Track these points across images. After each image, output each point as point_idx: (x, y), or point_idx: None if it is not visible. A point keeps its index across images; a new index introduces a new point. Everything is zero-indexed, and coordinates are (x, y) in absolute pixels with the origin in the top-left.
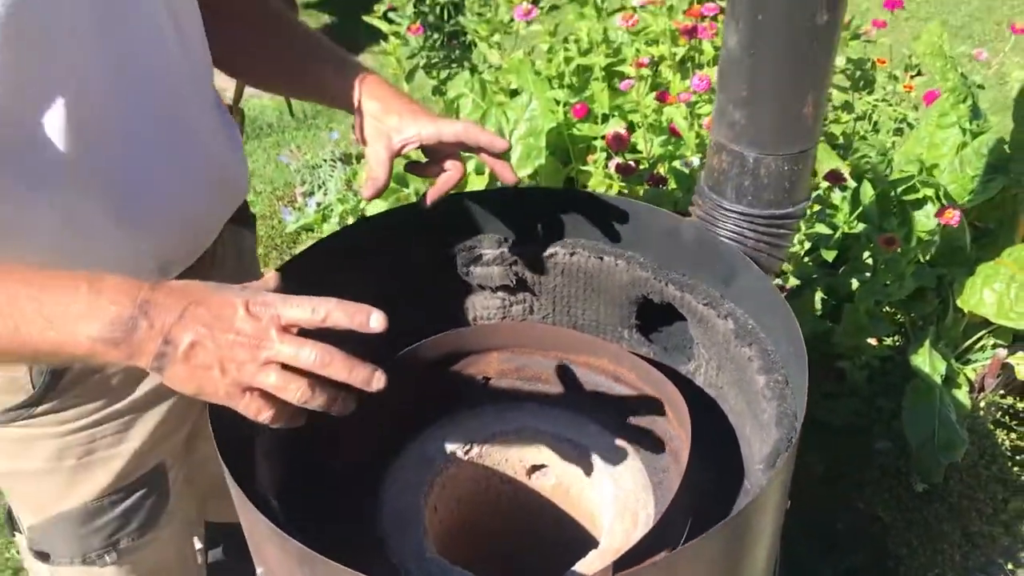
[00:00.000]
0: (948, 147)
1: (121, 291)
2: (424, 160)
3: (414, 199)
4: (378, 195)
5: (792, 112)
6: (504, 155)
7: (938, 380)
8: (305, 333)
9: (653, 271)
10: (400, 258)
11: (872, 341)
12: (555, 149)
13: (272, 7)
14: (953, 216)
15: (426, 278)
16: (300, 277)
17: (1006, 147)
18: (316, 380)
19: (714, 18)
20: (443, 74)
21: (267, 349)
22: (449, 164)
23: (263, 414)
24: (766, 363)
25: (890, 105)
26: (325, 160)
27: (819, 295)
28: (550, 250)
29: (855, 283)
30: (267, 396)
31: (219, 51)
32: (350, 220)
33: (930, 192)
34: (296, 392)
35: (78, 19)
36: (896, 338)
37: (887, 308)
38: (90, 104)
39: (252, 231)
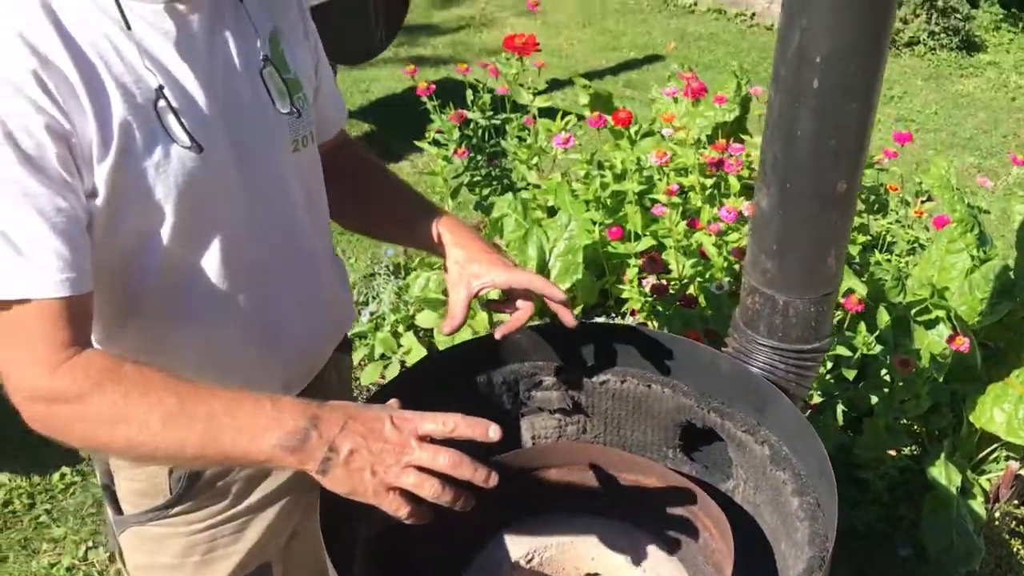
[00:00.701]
0: (958, 271)
1: (296, 408)
2: (501, 299)
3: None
4: (455, 332)
5: (816, 263)
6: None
7: (954, 491)
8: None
9: (696, 399)
10: (471, 383)
11: (891, 451)
12: (590, 264)
13: (375, 166)
14: (963, 343)
15: (493, 401)
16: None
17: (1011, 273)
18: (446, 480)
19: (740, 156)
20: (485, 191)
21: (409, 455)
22: (520, 304)
23: (402, 510)
24: (799, 486)
25: (903, 227)
26: (379, 273)
27: (840, 408)
28: (603, 377)
29: (874, 398)
30: (406, 494)
31: (333, 204)
32: (400, 329)
33: (942, 313)
34: (430, 489)
35: (229, 181)
36: (914, 447)
37: (904, 420)
38: (238, 247)
39: (349, 355)
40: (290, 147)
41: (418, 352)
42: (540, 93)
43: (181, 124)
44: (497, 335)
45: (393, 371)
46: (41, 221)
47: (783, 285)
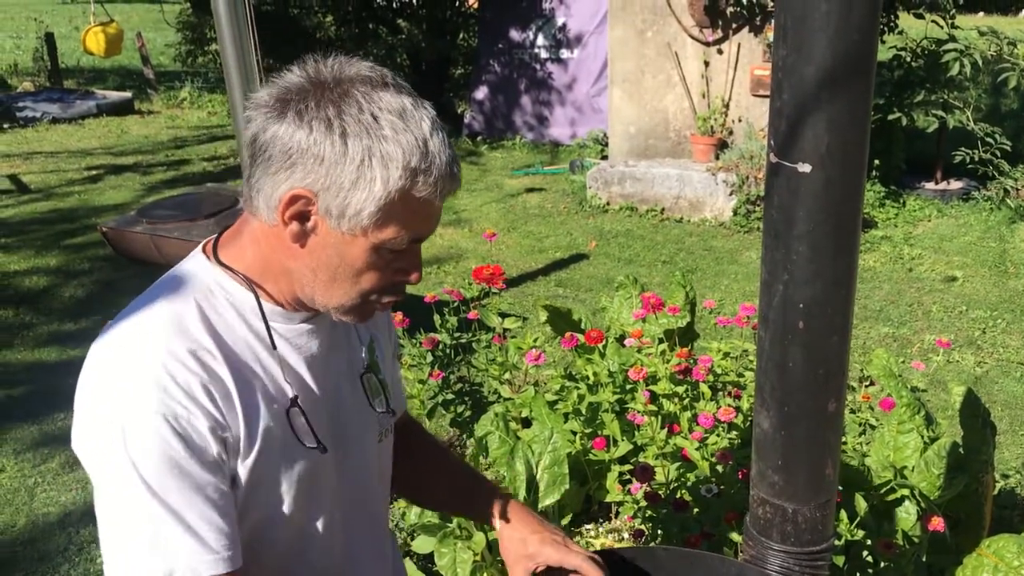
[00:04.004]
0: (911, 449)
1: None
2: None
3: None
4: None
5: (817, 473)
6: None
7: None
8: None
9: None
10: None
11: None
12: (573, 471)
13: (432, 441)
14: (938, 523)
15: None
16: None
17: (961, 449)
18: None
19: (711, 366)
20: (459, 408)
21: None
22: None
23: None
24: None
25: (852, 412)
26: None
27: None
28: None
29: None
30: None
31: (399, 478)
32: None
33: (906, 492)
34: None
35: (331, 469)
36: None
37: None
38: (332, 526)
39: None
40: (377, 438)
41: None
42: (506, 315)
43: (310, 428)
44: None
45: None
46: (208, 505)
47: (791, 495)
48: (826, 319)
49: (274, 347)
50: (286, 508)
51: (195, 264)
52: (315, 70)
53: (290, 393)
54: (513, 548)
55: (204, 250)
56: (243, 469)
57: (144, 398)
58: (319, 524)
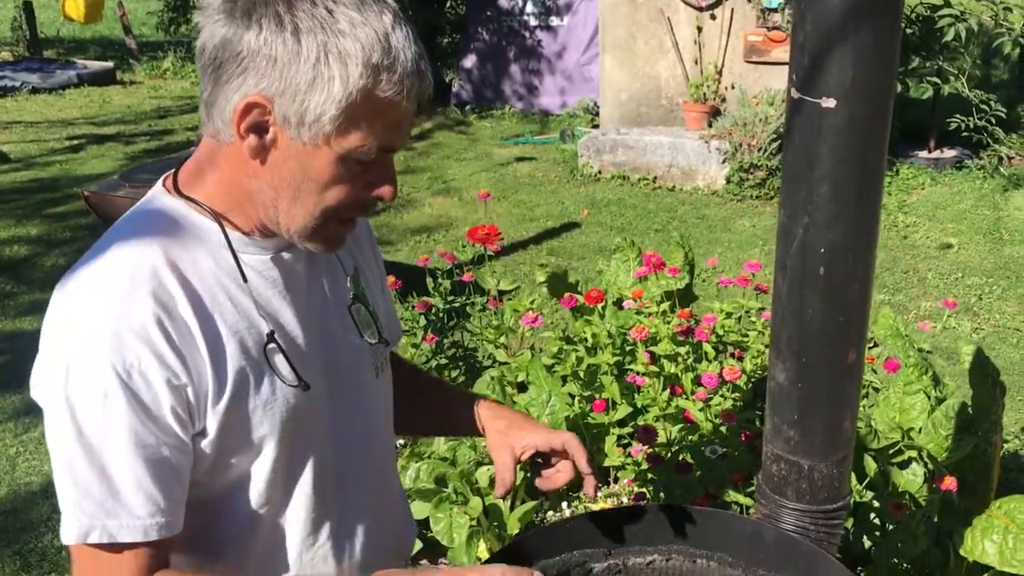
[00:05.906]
0: (918, 411)
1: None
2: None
3: None
4: (509, 493)
5: (835, 427)
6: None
7: None
8: None
9: (742, 569)
10: None
11: None
12: None
13: (410, 365)
14: (951, 482)
15: None
16: None
17: (970, 409)
18: None
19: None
20: (454, 373)
21: None
22: (561, 466)
23: None
24: None
25: None
26: None
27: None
28: (649, 558)
29: (867, 542)
30: None
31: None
32: None
33: (913, 453)
34: None
35: (322, 410)
36: None
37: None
38: (325, 472)
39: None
40: (373, 373)
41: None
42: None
43: (290, 364)
44: (538, 485)
45: None
46: (143, 466)
47: (807, 451)
48: (848, 265)
49: (245, 280)
50: (270, 456)
51: (155, 199)
52: None
53: (265, 329)
54: (500, 436)
55: (164, 184)
56: (213, 417)
57: (95, 342)
58: (309, 472)
